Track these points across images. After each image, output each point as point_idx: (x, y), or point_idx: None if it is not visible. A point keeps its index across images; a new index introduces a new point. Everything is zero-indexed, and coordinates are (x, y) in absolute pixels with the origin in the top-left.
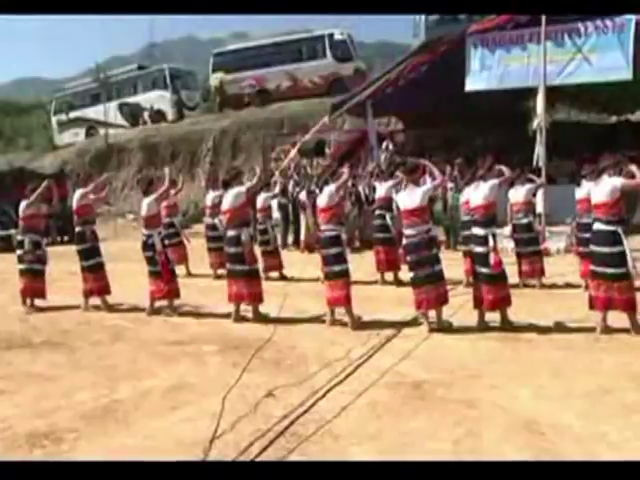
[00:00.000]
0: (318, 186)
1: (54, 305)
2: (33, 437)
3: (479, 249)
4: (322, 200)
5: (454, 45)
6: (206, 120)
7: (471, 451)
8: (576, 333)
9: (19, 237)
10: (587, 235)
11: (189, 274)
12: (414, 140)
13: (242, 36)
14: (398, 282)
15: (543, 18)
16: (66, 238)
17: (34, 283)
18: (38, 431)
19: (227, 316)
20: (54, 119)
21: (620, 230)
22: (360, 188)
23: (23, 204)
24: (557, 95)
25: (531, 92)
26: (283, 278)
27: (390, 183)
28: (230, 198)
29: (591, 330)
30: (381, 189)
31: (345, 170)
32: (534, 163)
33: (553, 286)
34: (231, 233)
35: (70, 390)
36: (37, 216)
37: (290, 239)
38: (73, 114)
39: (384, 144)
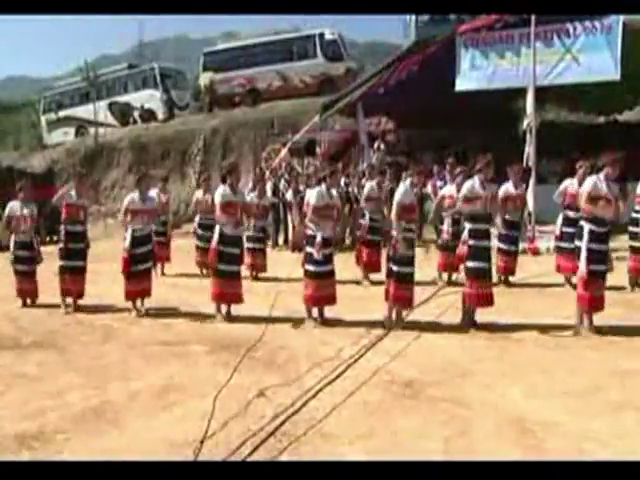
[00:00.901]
0: (308, 185)
1: (43, 305)
2: (22, 438)
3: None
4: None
5: (444, 45)
6: (196, 119)
7: (462, 450)
8: (565, 332)
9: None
10: (570, 230)
11: (162, 274)
12: (405, 140)
13: (232, 35)
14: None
15: (532, 18)
16: (55, 238)
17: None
18: (27, 432)
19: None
20: (43, 118)
21: (586, 227)
22: (351, 188)
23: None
24: (546, 95)
25: (521, 92)
26: (256, 278)
27: (373, 183)
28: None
29: (579, 328)
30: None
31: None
32: (524, 163)
33: (542, 285)
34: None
35: (59, 391)
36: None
37: (281, 239)
38: (62, 113)
39: (376, 144)
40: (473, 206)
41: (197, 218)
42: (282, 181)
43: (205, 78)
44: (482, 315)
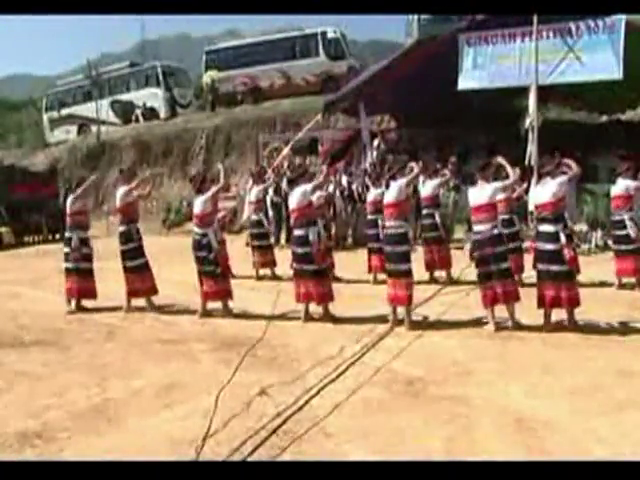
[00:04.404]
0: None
1: (45, 303)
2: (24, 436)
3: (550, 246)
4: (390, 195)
5: (446, 44)
6: (199, 118)
7: (463, 448)
8: (566, 330)
9: (67, 234)
10: (621, 232)
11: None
12: (406, 138)
13: (235, 34)
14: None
15: (535, 17)
16: (57, 236)
17: (81, 283)
18: (29, 430)
19: (218, 315)
20: (45, 116)
21: None
22: (354, 186)
23: (70, 199)
24: (549, 94)
25: (523, 91)
26: (274, 277)
27: (436, 181)
28: (297, 196)
29: (582, 327)
30: (427, 187)
31: (414, 165)
32: (526, 162)
33: None
34: (299, 232)
35: (61, 389)
36: (84, 212)
37: (283, 237)
38: (65, 111)
39: (375, 142)
40: (558, 207)
41: (253, 217)
42: (284, 180)
43: (207, 76)
44: (483, 314)
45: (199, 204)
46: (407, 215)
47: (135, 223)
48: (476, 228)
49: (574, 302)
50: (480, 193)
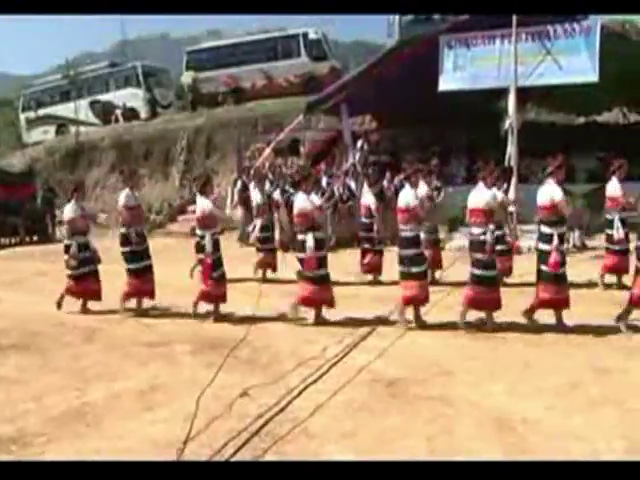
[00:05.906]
0: (293, 185)
1: (23, 306)
2: (0, 442)
3: (544, 247)
4: (401, 201)
5: (428, 45)
6: (180, 118)
7: (445, 448)
8: (547, 330)
9: (66, 242)
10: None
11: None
12: (388, 139)
13: (216, 34)
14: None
15: (514, 19)
16: (35, 238)
17: (84, 285)
18: (5, 436)
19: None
20: (22, 116)
21: None
22: (335, 187)
23: (68, 207)
24: (527, 96)
25: (502, 92)
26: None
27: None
28: (301, 201)
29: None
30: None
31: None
32: (506, 163)
33: (525, 284)
34: (300, 237)
35: (39, 393)
36: (82, 217)
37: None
38: (42, 111)
39: (358, 143)
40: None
41: (259, 221)
42: (266, 181)
43: (188, 77)
44: (469, 315)
45: (202, 206)
46: (419, 220)
47: (135, 227)
48: (471, 230)
49: (555, 303)
50: (475, 196)
